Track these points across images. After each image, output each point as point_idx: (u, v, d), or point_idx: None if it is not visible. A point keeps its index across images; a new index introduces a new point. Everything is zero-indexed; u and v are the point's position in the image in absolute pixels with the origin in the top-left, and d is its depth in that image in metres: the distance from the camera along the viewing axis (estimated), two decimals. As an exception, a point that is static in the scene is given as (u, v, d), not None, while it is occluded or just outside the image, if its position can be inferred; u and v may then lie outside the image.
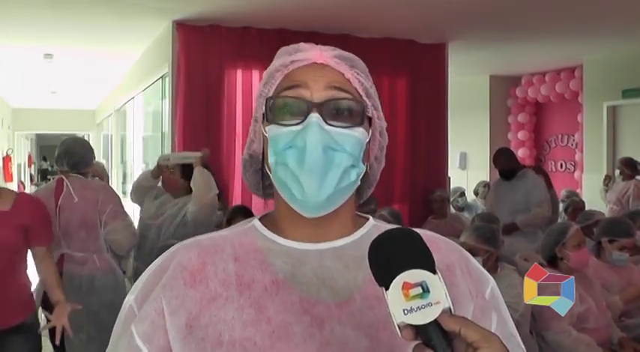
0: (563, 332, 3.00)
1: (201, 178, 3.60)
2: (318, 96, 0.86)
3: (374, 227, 0.94)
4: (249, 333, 0.81)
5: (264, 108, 0.89)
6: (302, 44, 0.93)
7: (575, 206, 6.09)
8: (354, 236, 0.91)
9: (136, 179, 4.24)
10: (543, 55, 7.64)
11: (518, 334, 0.96)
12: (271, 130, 0.86)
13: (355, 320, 0.84)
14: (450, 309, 0.70)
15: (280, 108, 0.86)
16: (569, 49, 7.26)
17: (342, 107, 0.86)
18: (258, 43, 5.44)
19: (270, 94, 0.90)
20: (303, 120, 0.84)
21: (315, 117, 0.84)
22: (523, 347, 0.95)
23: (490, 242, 3.26)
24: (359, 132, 0.87)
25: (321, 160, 0.83)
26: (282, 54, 0.93)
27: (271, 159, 0.86)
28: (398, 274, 0.70)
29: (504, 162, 5.36)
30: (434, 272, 0.71)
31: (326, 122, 0.84)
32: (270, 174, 0.89)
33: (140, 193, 4.04)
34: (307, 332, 0.82)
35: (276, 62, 0.92)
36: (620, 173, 6.80)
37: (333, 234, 0.90)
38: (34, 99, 13.32)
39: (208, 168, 3.77)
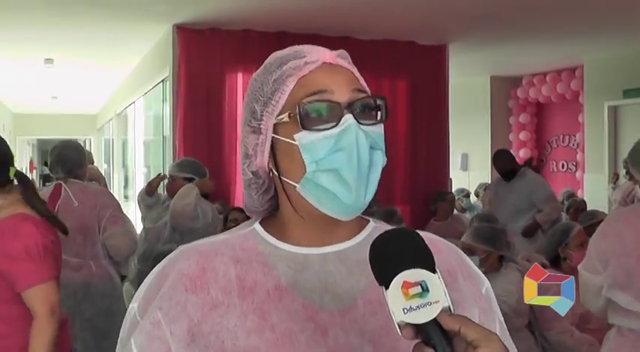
0: (565, 332, 3.00)
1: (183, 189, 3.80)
2: (343, 97, 0.84)
3: (375, 229, 0.93)
4: (253, 342, 0.81)
5: (296, 115, 0.83)
6: (298, 47, 0.91)
7: (577, 206, 6.08)
8: (356, 239, 0.90)
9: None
10: (544, 56, 7.63)
11: (507, 330, 0.95)
12: (304, 137, 0.83)
13: (358, 326, 0.83)
14: (449, 308, 0.70)
15: (309, 114, 0.83)
16: (569, 50, 7.25)
17: (367, 105, 0.85)
18: (258, 45, 5.44)
19: (283, 102, 0.86)
20: (337, 123, 0.82)
21: (350, 117, 0.82)
22: (513, 345, 0.93)
23: (489, 242, 3.23)
24: (382, 128, 0.86)
25: (368, 160, 0.82)
26: (283, 59, 0.89)
27: (310, 168, 0.83)
28: (398, 273, 0.70)
29: (505, 163, 5.36)
30: (433, 271, 0.71)
31: (358, 122, 0.83)
32: (291, 186, 0.86)
33: (146, 208, 4.21)
34: (312, 340, 0.81)
35: (277, 68, 0.88)
36: (627, 172, 6.76)
37: (337, 237, 0.89)
38: (35, 105, 13.34)
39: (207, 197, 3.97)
